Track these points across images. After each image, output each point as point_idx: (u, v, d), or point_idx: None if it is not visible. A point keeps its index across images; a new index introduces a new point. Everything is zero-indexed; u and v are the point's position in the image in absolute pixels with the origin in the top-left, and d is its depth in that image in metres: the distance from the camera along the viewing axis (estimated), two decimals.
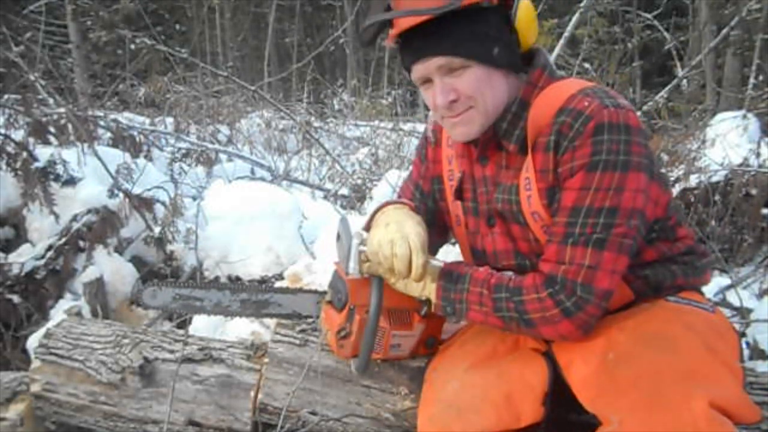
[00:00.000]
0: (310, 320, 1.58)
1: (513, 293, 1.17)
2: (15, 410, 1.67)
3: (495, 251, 1.31)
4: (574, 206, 1.13)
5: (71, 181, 2.65)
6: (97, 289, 2.36)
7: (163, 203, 2.77)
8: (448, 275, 1.26)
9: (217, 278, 2.55)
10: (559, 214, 1.15)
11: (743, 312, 2.24)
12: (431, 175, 1.44)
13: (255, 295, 1.47)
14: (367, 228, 1.37)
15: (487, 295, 1.20)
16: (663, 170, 3.25)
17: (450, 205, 1.40)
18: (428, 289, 1.27)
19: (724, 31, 4.89)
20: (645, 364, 1.08)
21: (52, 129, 3.09)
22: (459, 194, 1.35)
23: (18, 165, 2.62)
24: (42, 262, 2.44)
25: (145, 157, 3.55)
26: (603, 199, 1.11)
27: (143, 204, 2.69)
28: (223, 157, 4.15)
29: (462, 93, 1.17)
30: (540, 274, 1.17)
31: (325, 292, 1.44)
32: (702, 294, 1.31)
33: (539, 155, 1.17)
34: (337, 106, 7.07)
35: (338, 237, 1.32)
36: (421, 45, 1.16)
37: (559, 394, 1.19)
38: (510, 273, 1.23)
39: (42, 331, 1.78)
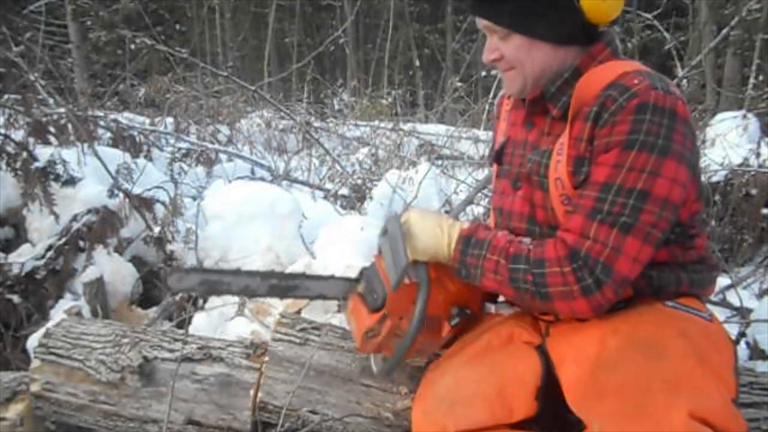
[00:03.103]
0: (311, 322, 1.59)
1: (534, 265, 1.15)
2: (15, 410, 1.66)
3: (510, 211, 1.31)
4: (606, 182, 1.11)
5: (71, 181, 2.65)
6: (97, 289, 2.36)
7: (163, 203, 2.77)
8: (467, 240, 1.24)
9: None
10: (589, 188, 1.14)
11: (743, 312, 2.24)
12: (493, 147, 1.49)
13: (284, 281, 1.44)
14: None
15: (504, 264, 1.18)
16: None
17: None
18: (451, 243, 1.25)
19: (724, 31, 4.89)
20: (632, 371, 1.08)
21: (52, 129, 3.08)
22: (498, 157, 1.38)
23: (18, 165, 2.62)
24: (42, 262, 2.43)
25: (145, 157, 3.54)
26: (635, 180, 1.09)
27: (143, 204, 2.68)
28: (223, 157, 4.14)
29: (504, 56, 1.24)
30: (562, 245, 1.14)
31: (356, 280, 1.38)
32: (702, 302, 1.29)
33: (578, 123, 1.17)
34: (337, 106, 7.08)
35: (385, 232, 1.28)
36: (475, 4, 1.24)
37: (556, 391, 1.19)
38: (527, 241, 1.21)
39: (42, 331, 1.78)
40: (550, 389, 1.20)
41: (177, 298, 2.41)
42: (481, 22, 1.24)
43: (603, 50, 1.23)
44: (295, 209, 2.69)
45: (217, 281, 1.43)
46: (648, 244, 1.11)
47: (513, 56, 1.23)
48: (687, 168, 1.12)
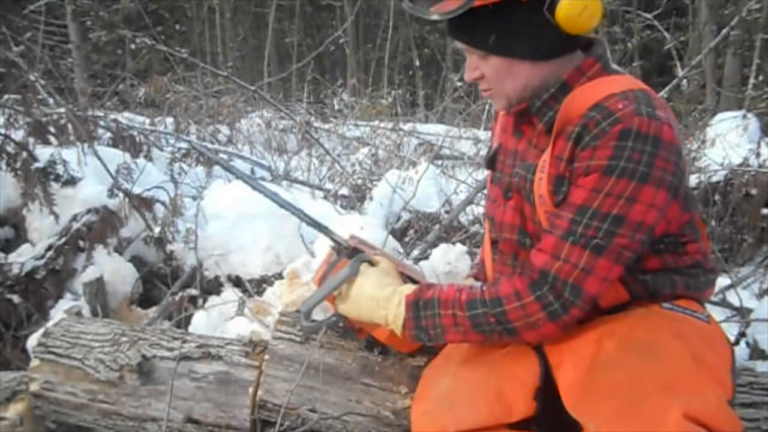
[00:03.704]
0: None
1: (492, 305, 1.16)
2: (14, 410, 1.67)
3: (502, 222, 1.31)
4: (582, 205, 1.11)
5: (71, 181, 2.65)
6: (97, 289, 2.36)
7: (163, 203, 2.77)
8: (415, 305, 1.24)
9: (217, 278, 2.55)
10: (566, 209, 1.14)
11: (743, 312, 2.24)
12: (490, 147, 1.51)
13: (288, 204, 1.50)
14: None
15: (461, 315, 1.18)
16: None
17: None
18: (397, 319, 1.25)
19: (724, 31, 4.89)
20: (627, 372, 1.08)
21: (52, 129, 3.08)
22: (491, 163, 1.38)
23: (18, 165, 2.62)
24: (42, 262, 2.43)
25: (145, 157, 3.54)
26: (612, 206, 1.09)
27: (143, 204, 2.68)
28: (223, 157, 4.14)
29: (485, 75, 1.23)
30: (523, 276, 1.15)
31: (338, 246, 1.44)
32: (700, 304, 1.28)
33: (560, 142, 1.17)
34: (337, 106, 7.08)
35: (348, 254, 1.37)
36: (450, 28, 1.23)
37: (554, 393, 1.20)
38: (479, 284, 1.23)
39: (42, 330, 1.78)
40: (548, 390, 1.20)
41: (177, 297, 2.42)
42: (459, 44, 1.24)
43: (593, 65, 1.21)
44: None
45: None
46: (619, 264, 1.12)
47: (493, 76, 1.22)
48: (667, 191, 1.12)
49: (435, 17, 1.18)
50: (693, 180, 3.10)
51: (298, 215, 1.47)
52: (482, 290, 1.19)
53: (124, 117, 4.41)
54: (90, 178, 2.72)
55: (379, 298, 1.27)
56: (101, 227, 2.52)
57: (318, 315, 1.42)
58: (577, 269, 1.10)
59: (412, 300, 1.24)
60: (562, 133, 1.17)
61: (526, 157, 1.26)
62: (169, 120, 4.89)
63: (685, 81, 5.53)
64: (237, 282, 2.53)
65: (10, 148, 2.66)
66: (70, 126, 3.16)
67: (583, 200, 1.11)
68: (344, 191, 3.61)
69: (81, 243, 2.51)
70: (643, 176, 1.09)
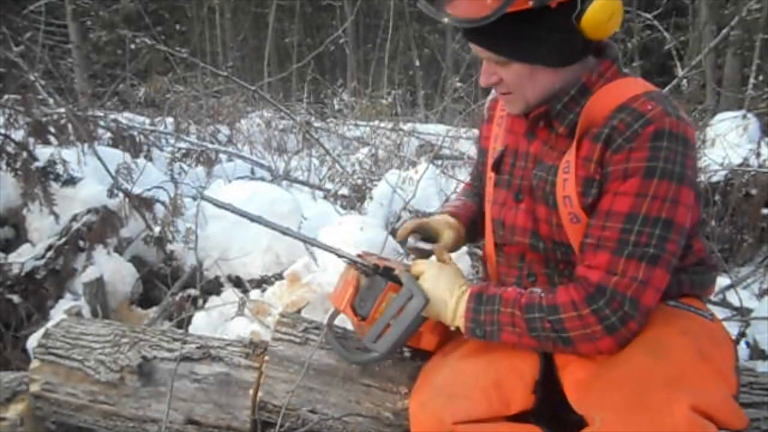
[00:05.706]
0: (312, 322, 1.59)
1: (549, 312, 1.14)
2: (15, 410, 1.66)
3: (513, 225, 1.30)
4: (630, 213, 1.10)
5: (71, 181, 2.65)
6: (97, 289, 2.36)
7: (163, 203, 2.77)
8: (478, 297, 1.23)
9: (217, 278, 2.55)
10: (612, 219, 1.12)
11: (743, 312, 2.24)
12: (480, 149, 1.49)
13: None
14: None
15: (519, 315, 1.17)
16: None
17: (486, 178, 1.41)
18: (458, 312, 1.24)
19: (724, 31, 4.88)
20: (634, 367, 1.09)
21: (52, 129, 3.08)
22: (497, 167, 1.35)
23: (18, 165, 2.62)
24: (42, 262, 2.43)
25: (145, 157, 3.55)
26: (659, 209, 1.09)
27: (143, 204, 2.68)
28: (223, 157, 4.14)
29: (503, 80, 1.21)
30: (578, 287, 1.14)
31: (363, 266, 1.36)
32: (703, 302, 1.30)
33: (587, 143, 1.16)
34: (337, 106, 7.08)
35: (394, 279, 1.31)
36: (470, 34, 1.18)
37: (554, 389, 1.20)
38: (538, 290, 1.20)
39: (42, 331, 1.78)
40: (548, 386, 1.20)
41: (177, 298, 2.42)
42: (478, 51, 1.20)
43: (610, 67, 1.21)
44: (295, 209, 2.70)
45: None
46: (669, 273, 1.12)
47: (513, 81, 1.20)
48: (694, 191, 1.13)
49: (465, 24, 1.13)
50: None
51: (319, 246, 1.41)
52: (540, 296, 1.17)
53: (124, 117, 4.42)
54: (90, 178, 2.72)
55: (448, 290, 1.25)
56: (101, 227, 2.52)
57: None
58: (636, 282, 1.09)
59: (476, 292, 1.23)
60: (586, 135, 1.16)
61: (543, 159, 1.25)
62: (169, 120, 4.90)
63: (685, 81, 5.53)
64: (237, 282, 2.53)
65: (10, 148, 2.66)
66: (70, 126, 3.16)
67: (630, 207, 1.10)
68: (344, 191, 3.60)
69: (81, 243, 2.51)
70: (680, 177, 1.09)
